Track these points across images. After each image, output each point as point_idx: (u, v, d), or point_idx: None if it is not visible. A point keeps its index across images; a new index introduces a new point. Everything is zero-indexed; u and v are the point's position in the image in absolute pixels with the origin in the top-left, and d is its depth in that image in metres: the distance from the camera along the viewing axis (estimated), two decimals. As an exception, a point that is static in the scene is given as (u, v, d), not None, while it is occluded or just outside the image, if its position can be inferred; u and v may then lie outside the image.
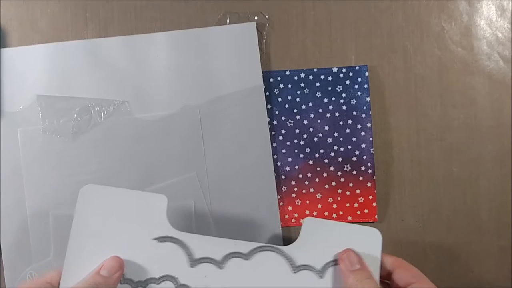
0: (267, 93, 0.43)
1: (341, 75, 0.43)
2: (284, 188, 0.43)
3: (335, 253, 0.33)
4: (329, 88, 0.43)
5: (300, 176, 0.43)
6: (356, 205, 0.43)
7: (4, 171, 0.42)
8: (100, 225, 0.34)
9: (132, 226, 0.34)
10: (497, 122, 0.44)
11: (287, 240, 0.43)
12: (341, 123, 0.43)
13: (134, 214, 0.34)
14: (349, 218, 0.43)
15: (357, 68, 0.43)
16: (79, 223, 0.34)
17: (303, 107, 0.43)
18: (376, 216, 0.43)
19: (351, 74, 0.43)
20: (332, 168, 0.43)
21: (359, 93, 0.43)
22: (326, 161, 0.43)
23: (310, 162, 0.43)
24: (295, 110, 0.43)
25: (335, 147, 0.43)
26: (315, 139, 0.44)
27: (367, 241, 0.34)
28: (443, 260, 0.44)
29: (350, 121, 0.43)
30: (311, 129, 0.44)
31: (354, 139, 0.43)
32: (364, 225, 0.44)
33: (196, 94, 0.43)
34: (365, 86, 0.43)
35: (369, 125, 0.43)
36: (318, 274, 0.33)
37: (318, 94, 0.43)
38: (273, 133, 0.43)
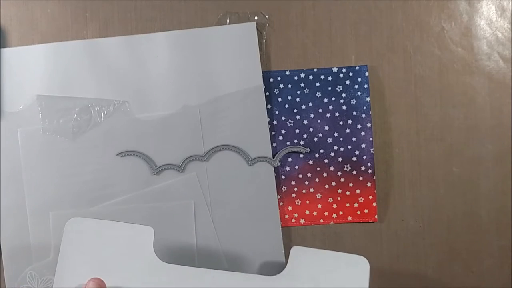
0: (267, 93, 0.43)
1: (341, 75, 0.43)
2: (284, 188, 0.43)
3: (322, 282, 0.33)
4: (329, 88, 0.43)
5: (300, 176, 0.43)
6: (356, 205, 0.43)
7: (4, 171, 0.42)
8: (87, 258, 0.33)
9: (119, 259, 0.33)
10: (497, 122, 0.44)
11: (287, 240, 0.43)
12: (341, 123, 0.43)
13: (121, 247, 0.33)
14: (349, 218, 0.43)
15: (357, 68, 0.43)
16: (65, 256, 0.33)
17: (303, 107, 0.43)
18: (376, 216, 0.43)
19: (351, 74, 0.43)
20: (332, 168, 0.43)
21: (359, 93, 0.43)
22: (326, 161, 0.43)
23: (310, 162, 0.43)
24: (295, 110, 0.43)
25: (335, 147, 0.43)
26: (315, 139, 0.44)
27: (355, 269, 0.33)
28: (443, 260, 0.44)
29: (350, 121, 0.43)
30: (311, 129, 0.44)
31: (354, 139, 0.43)
32: (363, 225, 0.44)
33: (196, 94, 0.43)
34: (365, 86, 0.43)
35: (369, 125, 0.43)
36: None
37: (318, 94, 0.43)
38: (273, 133, 0.43)
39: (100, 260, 0.33)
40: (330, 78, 0.43)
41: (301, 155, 0.43)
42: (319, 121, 0.43)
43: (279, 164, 0.43)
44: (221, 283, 0.33)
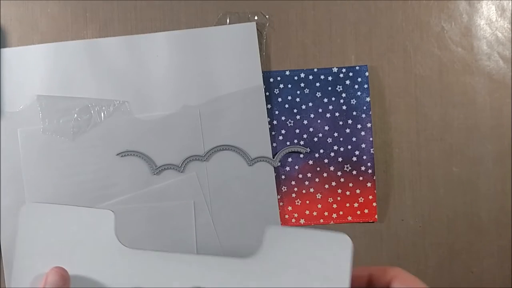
0: (267, 93, 0.43)
1: (341, 75, 0.43)
2: (284, 188, 0.43)
3: (302, 262, 0.31)
4: (329, 88, 0.43)
5: (300, 176, 0.43)
6: (356, 205, 0.43)
7: (4, 171, 0.42)
8: (45, 245, 0.32)
9: (79, 245, 0.32)
10: (497, 122, 0.44)
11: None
12: (341, 123, 0.43)
13: (81, 232, 0.32)
14: (349, 218, 0.43)
15: (357, 68, 0.43)
16: (22, 244, 0.32)
17: (303, 107, 0.43)
18: (376, 216, 0.43)
19: (351, 74, 0.43)
20: (332, 168, 0.43)
21: (359, 93, 0.43)
22: (326, 161, 0.43)
23: (310, 162, 0.43)
24: (295, 110, 0.43)
25: (335, 147, 0.43)
26: (315, 139, 0.44)
27: (336, 248, 0.31)
28: (443, 260, 0.44)
29: (350, 121, 0.43)
30: (311, 129, 0.44)
31: (354, 139, 0.43)
32: (363, 225, 0.44)
33: (196, 94, 0.43)
34: (365, 86, 0.43)
35: (369, 125, 0.43)
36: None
37: (318, 94, 0.43)
38: (273, 133, 0.43)
39: (60, 247, 0.32)
40: (330, 78, 0.43)
41: (301, 155, 0.43)
42: (319, 121, 0.43)
43: (279, 164, 0.43)
44: (189, 266, 0.32)
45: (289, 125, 0.43)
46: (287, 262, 0.32)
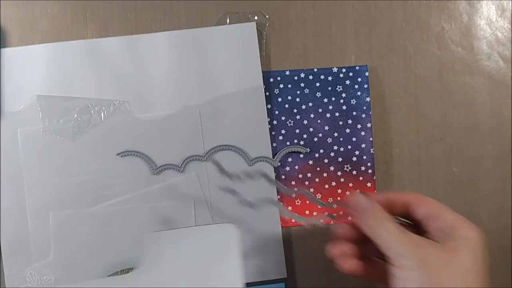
0: (267, 93, 0.43)
1: (341, 75, 0.43)
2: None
3: (192, 266, 0.29)
4: (329, 88, 0.43)
5: (300, 176, 0.43)
6: (356, 205, 0.43)
7: (4, 171, 0.42)
8: None
9: None
10: (497, 122, 0.44)
11: (287, 240, 0.43)
12: (341, 123, 0.43)
13: None
14: (349, 218, 0.43)
15: (357, 68, 0.43)
16: None
17: (303, 107, 0.43)
18: (376, 216, 0.43)
19: (351, 74, 0.43)
20: (332, 168, 0.43)
21: (359, 93, 0.43)
22: (326, 161, 0.43)
23: (310, 162, 0.43)
24: (295, 110, 0.43)
25: (335, 147, 0.43)
26: (315, 139, 0.44)
27: (223, 238, 0.30)
28: (443, 260, 0.44)
29: (350, 121, 0.43)
30: (311, 129, 0.44)
31: (354, 139, 0.43)
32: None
33: (196, 94, 0.43)
34: (365, 86, 0.43)
35: (369, 125, 0.43)
36: None
37: (318, 94, 0.43)
38: (273, 133, 0.43)
39: None
40: (330, 78, 0.43)
41: (301, 155, 0.43)
42: (319, 121, 0.43)
43: (279, 164, 0.43)
44: None
45: (289, 125, 0.43)
46: (174, 266, 0.29)
